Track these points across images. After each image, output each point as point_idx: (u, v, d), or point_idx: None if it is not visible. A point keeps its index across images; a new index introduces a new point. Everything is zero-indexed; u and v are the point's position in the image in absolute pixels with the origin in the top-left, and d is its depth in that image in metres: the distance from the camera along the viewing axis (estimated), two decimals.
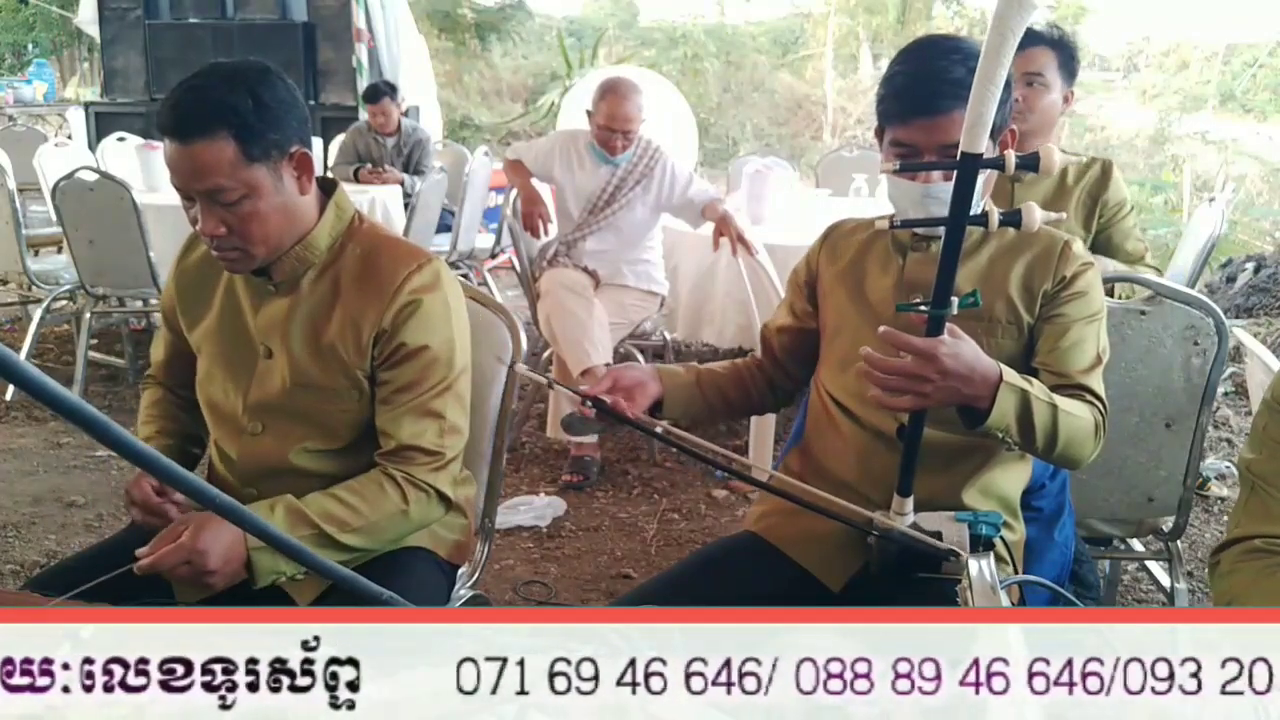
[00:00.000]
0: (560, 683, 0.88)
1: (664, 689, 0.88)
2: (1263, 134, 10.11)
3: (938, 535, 1.28)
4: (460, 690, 0.89)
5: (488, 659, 0.88)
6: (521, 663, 0.88)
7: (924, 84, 1.40)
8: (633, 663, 0.88)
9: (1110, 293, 2.01)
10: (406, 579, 1.51)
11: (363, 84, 6.83)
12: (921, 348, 1.25)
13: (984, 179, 1.39)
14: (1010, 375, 1.31)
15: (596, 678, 0.88)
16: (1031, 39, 2.33)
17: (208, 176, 1.35)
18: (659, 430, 1.46)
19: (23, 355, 4.15)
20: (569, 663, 0.88)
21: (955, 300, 1.22)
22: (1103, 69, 13.02)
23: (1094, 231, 2.42)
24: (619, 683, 0.88)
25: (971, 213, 1.18)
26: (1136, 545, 2.15)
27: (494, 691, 0.88)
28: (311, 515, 1.41)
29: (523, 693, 0.88)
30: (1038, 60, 2.32)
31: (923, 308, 1.25)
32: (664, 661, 0.89)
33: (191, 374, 1.62)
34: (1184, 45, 11.90)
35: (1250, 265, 5.57)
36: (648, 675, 0.89)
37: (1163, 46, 12.11)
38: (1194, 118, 10.49)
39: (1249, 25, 11.13)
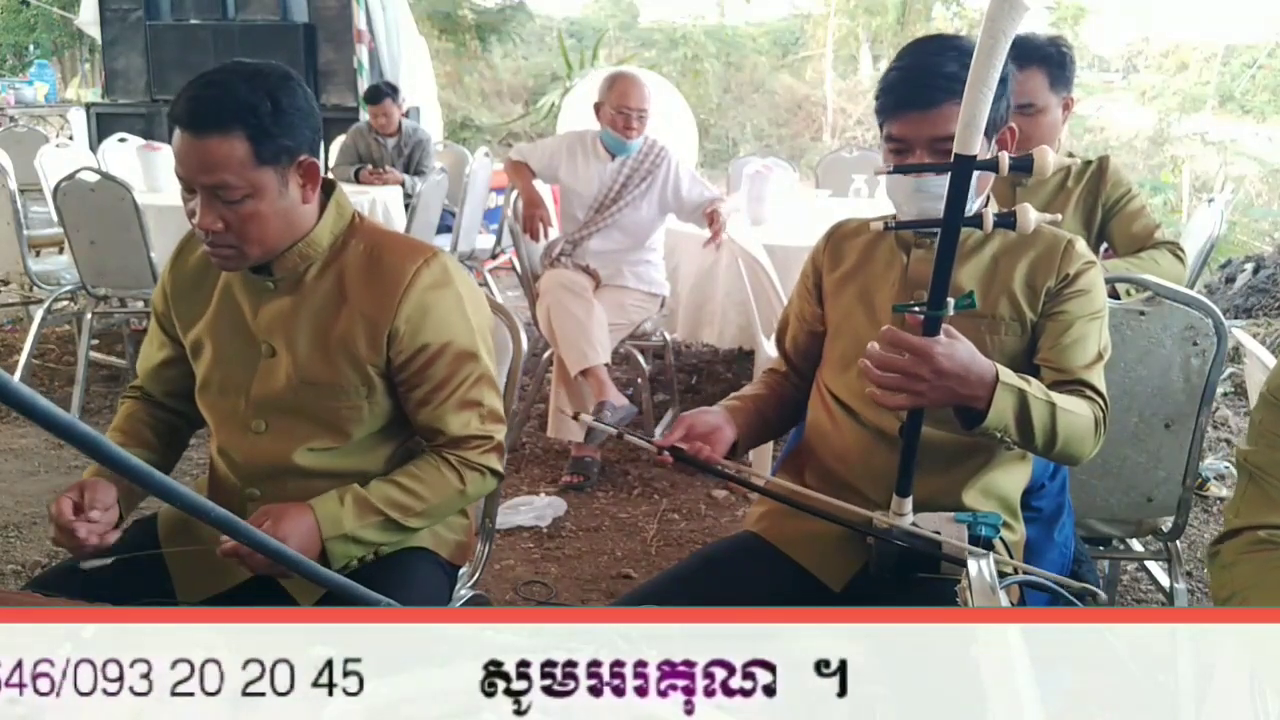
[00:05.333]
0: (560, 683, 0.88)
1: (663, 689, 0.88)
2: (1262, 135, 10.12)
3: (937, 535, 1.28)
4: (461, 690, 0.89)
5: (487, 659, 0.89)
6: (522, 663, 0.88)
7: (916, 77, 1.42)
8: (632, 662, 0.88)
9: (1114, 294, 2.00)
10: (408, 579, 1.52)
11: (363, 85, 6.83)
12: (917, 346, 1.25)
13: (978, 177, 1.39)
14: (1007, 375, 1.32)
15: (596, 677, 0.88)
16: (1020, 59, 2.12)
17: (215, 172, 1.36)
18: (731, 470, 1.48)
19: (24, 356, 4.15)
20: (569, 663, 0.88)
21: (951, 301, 1.23)
22: (1102, 70, 13.03)
23: (1097, 228, 2.39)
24: (618, 683, 0.88)
25: (972, 211, 1.18)
26: (1136, 545, 2.15)
27: (494, 692, 0.88)
28: (377, 503, 1.47)
29: (523, 693, 0.88)
30: (1025, 88, 2.18)
31: (919, 309, 1.25)
32: (663, 661, 0.89)
33: (181, 380, 1.61)
34: (1183, 46, 11.90)
35: (1249, 266, 5.57)
36: (647, 675, 0.89)
37: (1162, 47, 12.12)
38: (1193, 119, 10.50)
39: (1248, 26, 11.14)
